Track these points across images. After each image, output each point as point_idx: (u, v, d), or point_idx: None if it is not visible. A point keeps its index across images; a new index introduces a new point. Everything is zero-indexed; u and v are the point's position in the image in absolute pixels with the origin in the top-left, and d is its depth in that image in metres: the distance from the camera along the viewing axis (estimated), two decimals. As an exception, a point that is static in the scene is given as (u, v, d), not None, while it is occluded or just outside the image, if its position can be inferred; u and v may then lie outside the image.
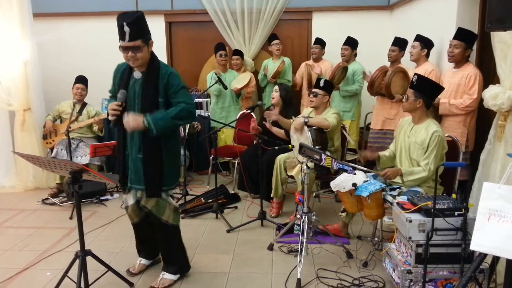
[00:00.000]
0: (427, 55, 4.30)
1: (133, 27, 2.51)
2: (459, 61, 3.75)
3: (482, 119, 3.81)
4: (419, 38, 4.31)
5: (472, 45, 3.73)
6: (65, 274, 2.64)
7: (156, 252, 3.20)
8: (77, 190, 2.48)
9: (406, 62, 4.65)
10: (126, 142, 2.78)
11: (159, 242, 3.01)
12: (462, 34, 3.69)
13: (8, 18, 5.00)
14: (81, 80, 5.12)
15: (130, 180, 2.80)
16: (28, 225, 4.10)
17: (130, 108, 2.67)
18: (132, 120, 2.55)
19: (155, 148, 2.70)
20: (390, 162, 3.45)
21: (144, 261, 3.17)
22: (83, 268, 2.54)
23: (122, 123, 2.62)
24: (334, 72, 5.06)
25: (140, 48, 2.56)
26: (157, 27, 6.23)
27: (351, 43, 5.29)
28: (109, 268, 2.78)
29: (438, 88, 3.26)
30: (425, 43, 4.27)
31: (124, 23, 2.49)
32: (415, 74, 3.24)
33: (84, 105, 5.09)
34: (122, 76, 2.75)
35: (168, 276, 2.96)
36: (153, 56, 2.70)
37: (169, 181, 2.81)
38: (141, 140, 2.70)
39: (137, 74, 2.68)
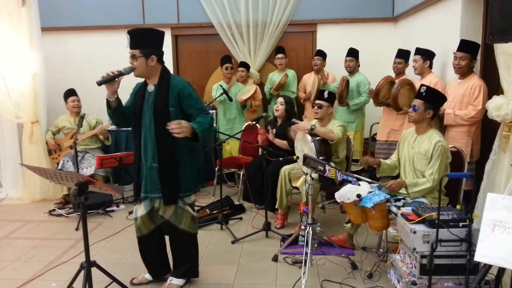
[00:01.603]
0: (430, 66, 4.32)
1: (134, 36, 2.71)
2: (465, 72, 3.76)
3: (487, 129, 3.80)
4: (419, 51, 4.34)
5: (476, 55, 3.75)
6: (70, 285, 2.65)
7: (163, 271, 3.15)
8: (83, 202, 2.51)
9: (410, 74, 4.66)
10: (141, 152, 2.85)
11: (174, 250, 3.05)
12: (466, 46, 3.70)
13: (17, 31, 5.09)
14: (73, 92, 5.17)
15: (145, 190, 2.86)
16: (34, 236, 4.14)
17: (144, 119, 2.82)
18: (186, 127, 2.61)
19: (169, 156, 2.79)
20: (390, 171, 3.45)
21: (148, 276, 3.15)
22: (88, 279, 2.55)
23: (137, 129, 2.83)
24: (341, 87, 5.06)
25: (136, 57, 2.70)
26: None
27: (354, 53, 5.32)
28: (114, 279, 2.79)
29: (443, 99, 3.28)
30: (426, 55, 4.30)
31: (127, 31, 2.71)
32: (423, 85, 3.24)
33: (83, 116, 5.07)
34: (139, 91, 2.88)
35: (176, 282, 3.03)
36: (164, 70, 2.84)
37: (186, 188, 2.87)
38: (155, 150, 2.79)
39: (150, 88, 2.82)
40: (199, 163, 2.97)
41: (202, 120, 2.77)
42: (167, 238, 3.09)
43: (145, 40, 2.73)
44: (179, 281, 3.05)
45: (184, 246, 3.00)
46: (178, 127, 2.58)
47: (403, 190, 3.21)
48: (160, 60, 2.81)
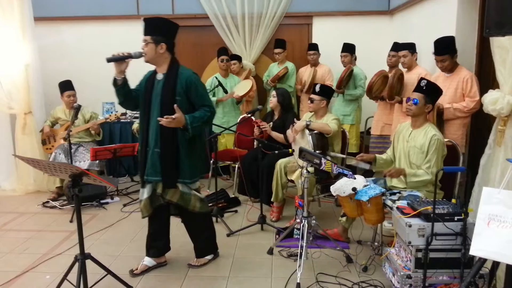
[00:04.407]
0: (416, 59, 4.38)
1: (147, 24, 2.91)
2: (451, 68, 3.78)
3: (481, 123, 3.82)
4: (405, 46, 4.39)
5: (455, 49, 3.74)
6: (64, 278, 2.64)
7: (164, 252, 3.30)
8: (77, 193, 2.49)
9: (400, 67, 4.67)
10: (148, 138, 3.01)
11: (189, 230, 3.28)
12: (442, 48, 3.71)
13: (9, 21, 5.03)
14: (68, 85, 5.04)
15: (147, 173, 3.03)
16: (28, 228, 4.11)
17: (153, 106, 2.96)
18: (176, 121, 2.80)
19: (170, 143, 2.94)
20: (386, 166, 3.45)
21: (147, 262, 3.23)
22: (82, 272, 2.54)
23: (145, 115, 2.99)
24: (342, 76, 5.07)
25: (147, 43, 2.87)
26: (158, 31, 6.26)
27: (349, 49, 5.30)
28: (109, 271, 2.78)
29: (440, 92, 3.27)
30: (413, 48, 4.34)
31: (142, 18, 2.93)
32: (423, 78, 3.22)
33: (78, 108, 5.02)
34: (149, 78, 3.04)
35: (202, 257, 3.29)
36: (173, 60, 3.00)
37: (186, 175, 3.02)
38: (158, 136, 2.94)
39: (159, 76, 3.00)
40: (198, 154, 3.09)
41: (198, 115, 2.93)
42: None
43: (157, 28, 2.90)
44: (207, 257, 3.31)
45: (197, 224, 3.23)
46: (165, 121, 2.78)
47: (400, 183, 3.21)
48: (170, 50, 2.96)
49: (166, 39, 2.91)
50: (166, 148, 2.93)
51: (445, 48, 3.70)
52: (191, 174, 3.04)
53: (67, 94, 5.01)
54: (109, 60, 2.84)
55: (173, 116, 2.78)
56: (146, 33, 2.89)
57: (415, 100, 3.15)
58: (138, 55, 2.88)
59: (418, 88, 3.20)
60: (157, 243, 3.25)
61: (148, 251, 3.26)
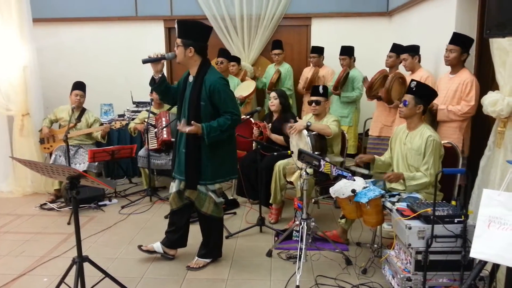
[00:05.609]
0: (419, 61, 4.34)
1: (179, 26, 2.98)
2: (455, 65, 3.74)
3: (480, 125, 3.80)
4: (405, 49, 4.36)
5: (469, 50, 3.72)
6: (62, 280, 2.62)
7: (175, 245, 3.39)
8: (75, 196, 2.47)
9: (401, 69, 4.65)
10: (178, 138, 3.20)
11: (201, 230, 3.35)
12: (457, 39, 3.69)
13: (7, 23, 5.00)
14: (80, 86, 5.04)
15: (175, 170, 3.22)
16: (25, 231, 4.08)
17: (184, 107, 3.11)
18: (193, 129, 2.92)
19: (195, 145, 3.04)
20: (385, 168, 3.44)
21: (156, 246, 3.38)
22: (80, 274, 2.52)
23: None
24: (340, 77, 5.07)
25: (177, 45, 3.00)
26: (156, 33, 6.26)
27: (347, 51, 5.29)
28: (107, 274, 2.75)
29: (434, 94, 3.28)
30: (413, 51, 4.31)
31: (176, 20, 3.01)
32: (413, 80, 3.25)
33: (83, 111, 5.04)
34: (185, 80, 3.16)
35: (202, 259, 3.31)
36: (203, 64, 3.05)
37: (206, 177, 3.09)
38: (186, 137, 3.06)
39: (190, 78, 3.10)
40: (223, 157, 3.14)
41: (216, 124, 2.97)
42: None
43: (187, 31, 2.97)
44: (206, 260, 3.31)
45: (207, 227, 3.29)
46: (182, 128, 2.94)
47: (399, 186, 3.20)
48: (200, 53, 3.02)
49: (196, 43, 2.97)
50: (190, 150, 3.04)
51: (459, 40, 3.67)
52: (213, 176, 3.11)
53: (75, 93, 4.99)
54: (145, 61, 2.99)
55: (185, 129, 2.91)
56: (178, 35, 2.99)
57: (405, 101, 3.18)
58: (171, 57, 3.02)
59: (408, 90, 3.24)
60: (171, 235, 3.35)
61: (164, 238, 3.38)
